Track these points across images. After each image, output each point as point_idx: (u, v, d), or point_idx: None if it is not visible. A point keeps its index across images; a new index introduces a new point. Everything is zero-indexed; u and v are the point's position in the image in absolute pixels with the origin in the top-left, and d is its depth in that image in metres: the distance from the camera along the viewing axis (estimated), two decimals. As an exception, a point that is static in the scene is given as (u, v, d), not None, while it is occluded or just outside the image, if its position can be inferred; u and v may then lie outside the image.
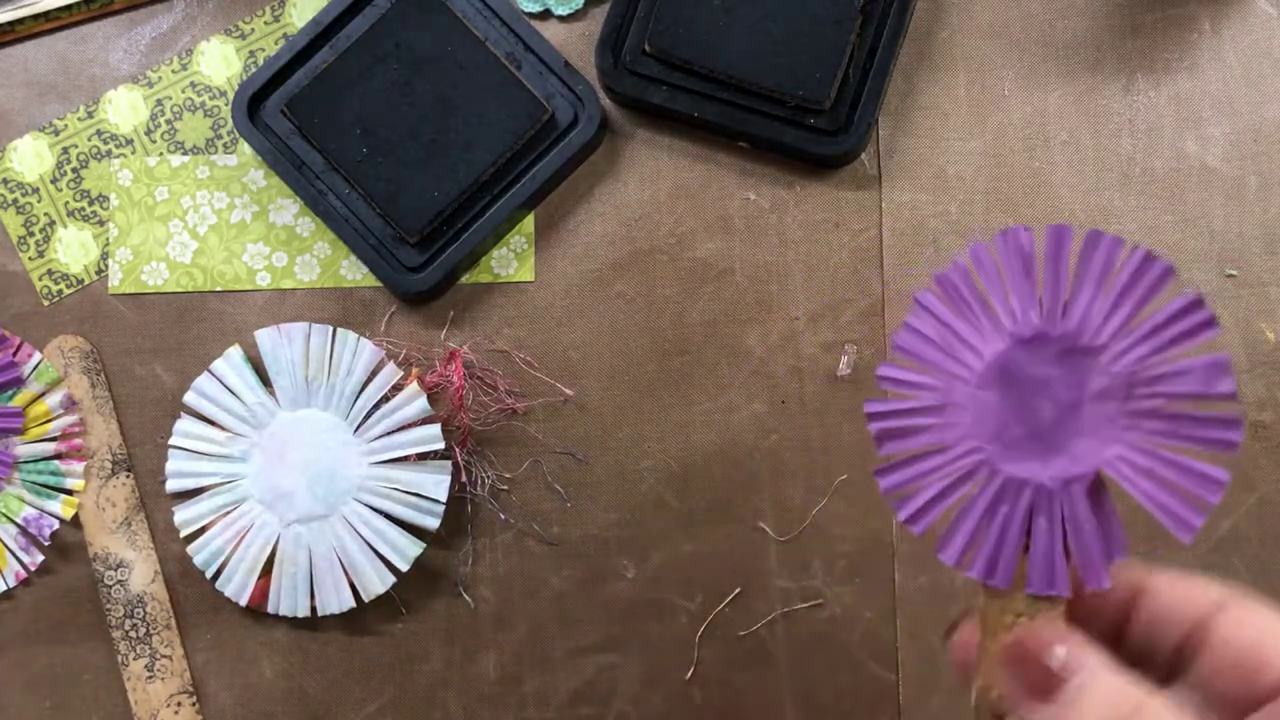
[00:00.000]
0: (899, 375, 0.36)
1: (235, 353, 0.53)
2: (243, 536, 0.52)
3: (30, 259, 0.55)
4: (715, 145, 0.54)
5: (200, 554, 0.53)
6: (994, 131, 0.53)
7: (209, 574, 0.53)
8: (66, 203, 0.55)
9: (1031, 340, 0.34)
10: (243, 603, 0.53)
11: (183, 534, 0.53)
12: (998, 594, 0.34)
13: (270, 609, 0.52)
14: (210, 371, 0.54)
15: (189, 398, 0.53)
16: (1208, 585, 0.33)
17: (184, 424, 0.54)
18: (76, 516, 0.54)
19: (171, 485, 0.53)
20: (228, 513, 0.53)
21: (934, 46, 0.54)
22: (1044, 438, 0.34)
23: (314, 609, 0.52)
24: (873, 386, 0.53)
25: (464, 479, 0.53)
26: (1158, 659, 0.34)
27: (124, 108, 0.56)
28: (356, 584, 0.52)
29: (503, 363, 0.54)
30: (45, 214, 0.55)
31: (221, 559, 0.53)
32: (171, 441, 0.54)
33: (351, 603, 0.52)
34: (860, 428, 0.52)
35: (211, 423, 0.53)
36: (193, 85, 0.56)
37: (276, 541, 0.52)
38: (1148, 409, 0.33)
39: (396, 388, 0.52)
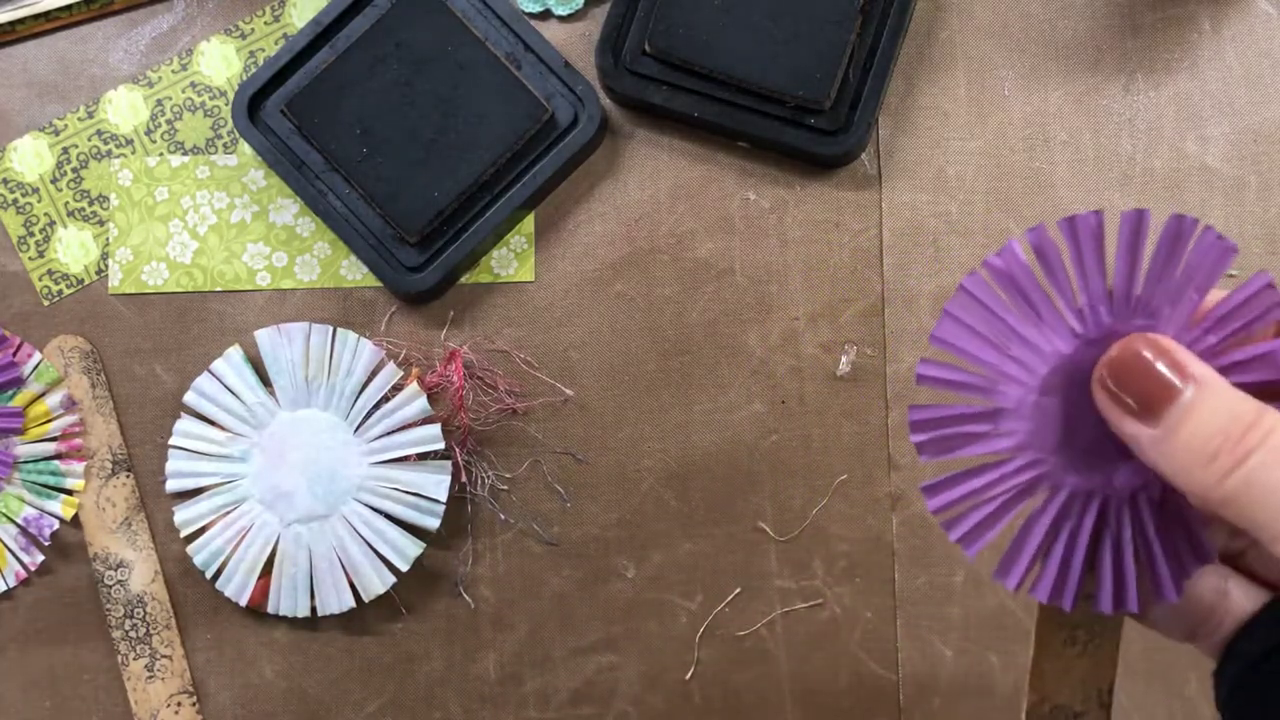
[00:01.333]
0: (944, 375, 0.31)
1: (235, 353, 0.53)
2: (243, 536, 0.52)
3: (30, 259, 0.55)
4: (715, 145, 0.54)
5: (200, 554, 0.53)
6: (994, 131, 0.53)
7: (209, 574, 0.53)
8: (66, 203, 0.55)
9: (1099, 340, 0.30)
10: (243, 603, 0.53)
11: (183, 534, 0.53)
12: (1055, 609, 0.32)
13: (270, 609, 0.52)
14: (210, 371, 0.54)
15: (189, 398, 0.53)
16: None
17: (184, 424, 0.54)
18: (76, 516, 0.54)
19: (171, 485, 0.53)
20: (228, 513, 0.53)
21: (934, 46, 0.54)
22: (1108, 445, 0.30)
23: (314, 609, 0.52)
24: (872, 387, 0.53)
25: (464, 479, 0.53)
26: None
27: (124, 108, 0.56)
28: (356, 584, 0.52)
29: (503, 363, 0.54)
30: (45, 214, 0.55)
31: (221, 559, 0.53)
32: (171, 441, 0.54)
33: (351, 603, 0.52)
34: (860, 428, 0.52)
35: (211, 423, 0.53)
36: (193, 85, 0.56)
37: (276, 541, 0.52)
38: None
39: (396, 388, 0.52)
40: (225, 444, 0.53)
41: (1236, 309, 0.29)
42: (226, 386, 0.53)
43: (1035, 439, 0.31)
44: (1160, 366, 0.29)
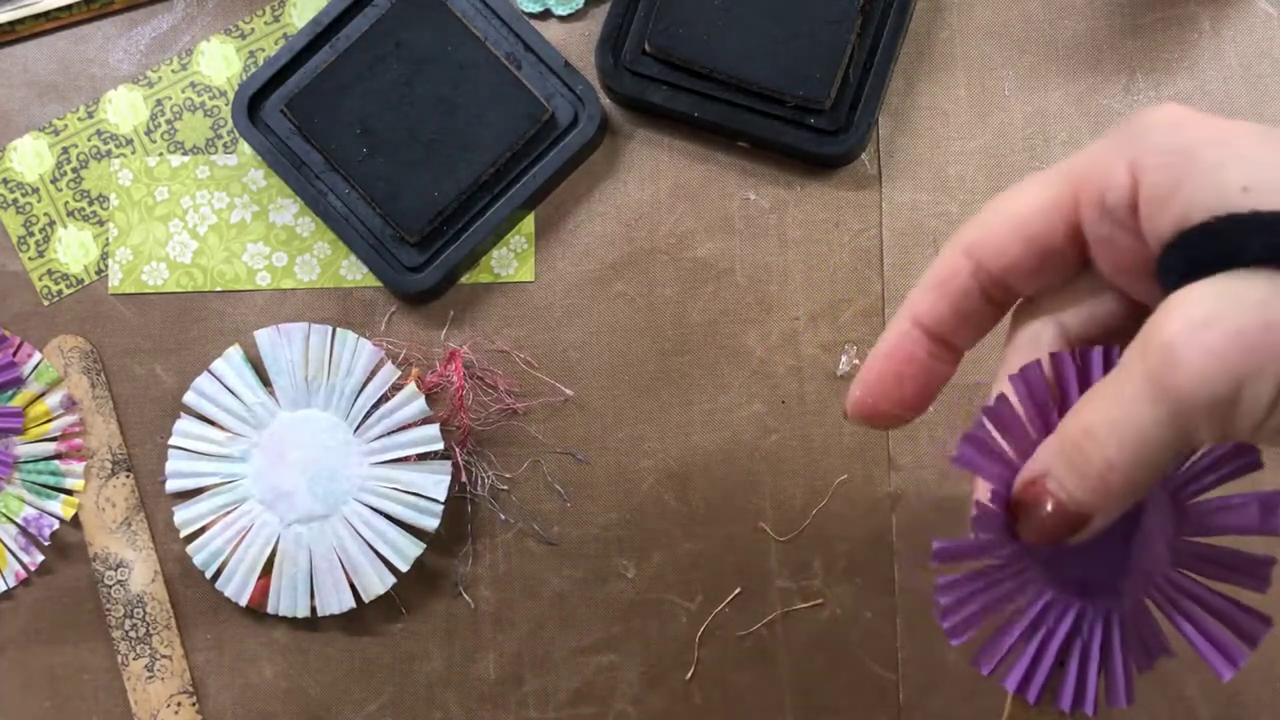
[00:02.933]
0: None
1: (235, 353, 0.53)
2: (243, 536, 0.52)
3: (30, 259, 0.55)
4: (715, 145, 0.54)
5: (200, 554, 0.53)
6: (994, 131, 0.53)
7: (209, 574, 0.53)
8: (66, 203, 0.55)
9: None
10: (243, 603, 0.53)
11: (183, 534, 0.53)
12: (1024, 705, 0.35)
13: (270, 609, 0.52)
14: (210, 371, 0.54)
15: (189, 398, 0.53)
16: None
17: (184, 424, 0.54)
18: (76, 516, 0.54)
19: (171, 485, 0.53)
20: (228, 513, 0.53)
21: (934, 46, 0.54)
22: (1091, 578, 0.33)
23: (314, 609, 0.52)
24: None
25: (464, 479, 0.53)
26: None
27: (124, 108, 0.56)
28: (356, 584, 0.52)
29: (503, 363, 0.54)
30: (45, 214, 0.55)
31: (221, 559, 0.53)
32: (171, 441, 0.54)
33: (351, 603, 0.52)
34: (861, 428, 0.52)
35: (211, 423, 0.53)
36: (193, 85, 0.56)
37: (276, 541, 0.52)
38: (1192, 544, 0.33)
39: (396, 387, 0.52)
40: (225, 444, 0.53)
41: (1218, 460, 0.32)
42: (226, 386, 0.53)
43: (1032, 553, 0.34)
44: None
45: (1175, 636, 0.34)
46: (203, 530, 0.53)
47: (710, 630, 0.53)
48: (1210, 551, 0.33)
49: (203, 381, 0.53)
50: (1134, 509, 0.33)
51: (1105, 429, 0.28)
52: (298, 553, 0.52)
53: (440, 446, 0.52)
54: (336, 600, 0.52)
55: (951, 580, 0.34)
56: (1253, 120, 0.53)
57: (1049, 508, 0.30)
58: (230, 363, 0.53)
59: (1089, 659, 0.34)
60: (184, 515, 0.53)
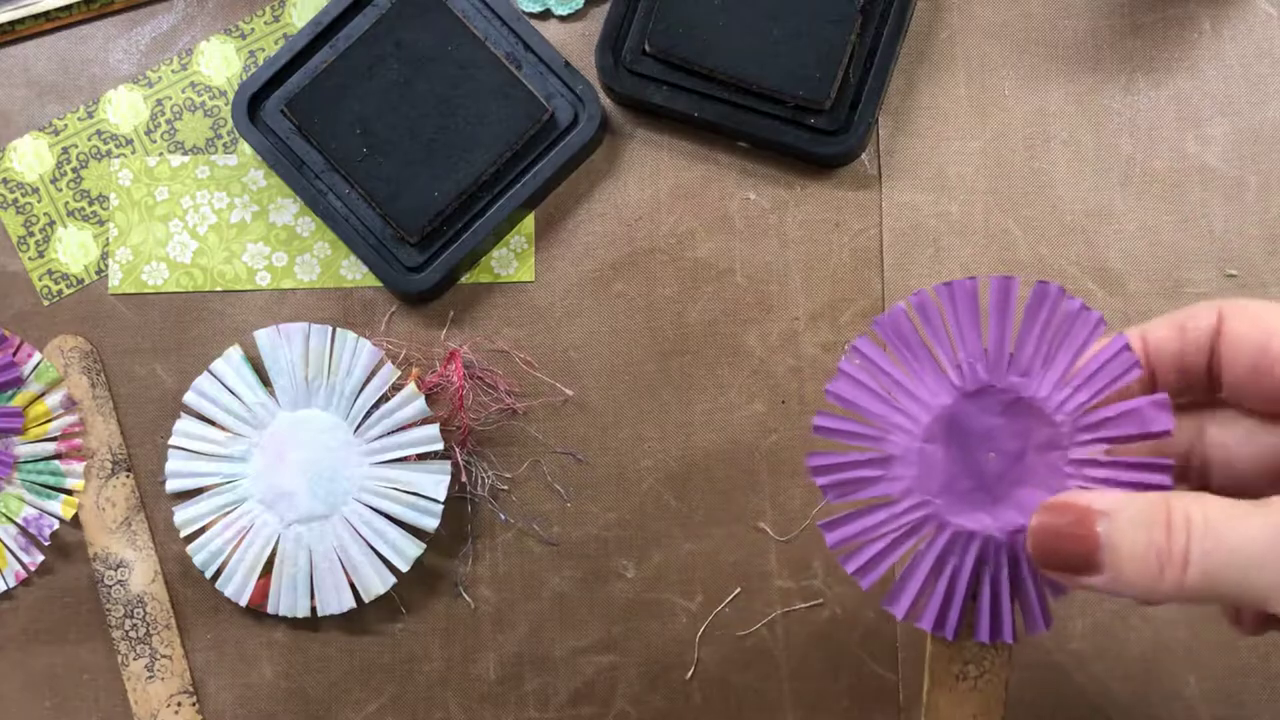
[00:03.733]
0: (838, 425, 0.35)
1: (235, 353, 0.53)
2: (243, 536, 0.52)
3: (30, 259, 0.55)
4: (715, 145, 0.54)
5: (200, 554, 0.53)
6: (994, 131, 0.53)
7: (209, 574, 0.53)
8: (66, 203, 0.55)
9: (977, 393, 0.34)
10: (243, 603, 0.53)
11: (183, 534, 0.53)
12: (945, 644, 0.35)
13: (270, 609, 0.52)
14: (210, 371, 0.54)
15: (189, 398, 0.53)
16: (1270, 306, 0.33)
17: (184, 424, 0.54)
18: (76, 516, 0.54)
19: (171, 485, 0.53)
20: (228, 513, 0.53)
21: (934, 46, 0.54)
22: (990, 489, 0.34)
23: (314, 609, 0.52)
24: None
25: (464, 479, 0.53)
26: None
27: (124, 108, 0.56)
28: (356, 584, 0.52)
29: (503, 363, 0.54)
30: (45, 214, 0.55)
31: (221, 559, 0.53)
32: (171, 441, 0.54)
33: (351, 603, 0.52)
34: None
35: (211, 423, 0.53)
36: (193, 85, 0.56)
37: (276, 541, 0.52)
38: (1088, 455, 0.33)
39: (396, 387, 0.52)
40: (225, 444, 0.53)
41: (1101, 368, 0.33)
42: (226, 386, 0.53)
43: (921, 483, 0.34)
44: (1069, 527, 0.31)
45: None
46: (203, 530, 0.53)
47: (710, 630, 0.53)
48: (1105, 459, 0.34)
49: (203, 381, 0.53)
50: (1022, 420, 0.34)
51: (1215, 539, 0.28)
52: (298, 553, 0.52)
53: (440, 446, 0.52)
54: (336, 600, 0.52)
55: (837, 518, 0.35)
56: (1252, 120, 0.53)
57: (1083, 547, 0.30)
58: (230, 363, 0.53)
59: (1000, 588, 0.34)
60: (184, 515, 0.53)
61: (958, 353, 0.35)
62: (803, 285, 0.53)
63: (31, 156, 0.56)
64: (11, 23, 0.56)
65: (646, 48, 0.53)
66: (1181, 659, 0.51)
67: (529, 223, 0.55)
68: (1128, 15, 0.54)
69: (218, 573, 0.53)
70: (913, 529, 0.34)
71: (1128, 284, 0.52)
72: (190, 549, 0.53)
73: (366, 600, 0.52)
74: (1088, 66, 0.54)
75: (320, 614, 0.52)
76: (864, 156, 0.54)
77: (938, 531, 0.34)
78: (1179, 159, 0.53)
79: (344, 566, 0.52)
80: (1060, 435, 0.33)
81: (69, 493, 0.54)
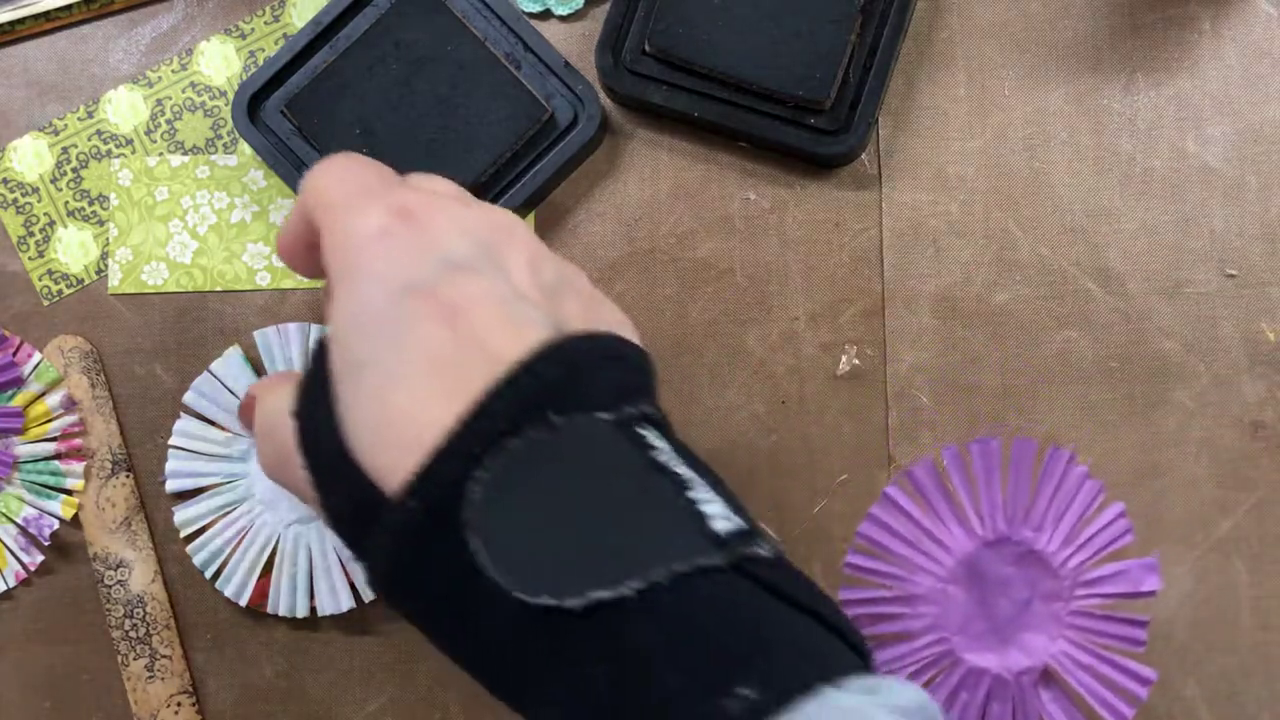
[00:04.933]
0: (868, 564, 0.40)
1: (235, 353, 0.53)
2: (243, 536, 0.52)
3: (30, 259, 0.55)
4: (715, 145, 0.54)
5: (200, 554, 0.53)
6: (994, 131, 0.54)
7: (209, 574, 0.53)
8: (66, 203, 0.55)
9: (995, 542, 0.38)
10: (243, 603, 0.53)
11: (183, 534, 0.53)
12: None
13: (270, 609, 0.52)
14: (210, 371, 0.54)
15: (189, 398, 0.53)
16: None
17: (184, 424, 0.54)
18: (76, 516, 0.54)
19: (171, 485, 0.53)
20: (228, 513, 0.53)
21: (934, 46, 0.54)
22: (1000, 631, 0.38)
23: (314, 609, 0.52)
24: (872, 387, 0.53)
25: (464, 479, 0.53)
26: None
27: (124, 108, 0.56)
28: (356, 584, 0.52)
29: (503, 363, 0.54)
30: (45, 214, 0.55)
31: (221, 559, 0.53)
32: (171, 441, 0.54)
33: (351, 603, 0.52)
34: (860, 428, 0.52)
35: (211, 423, 0.53)
36: (193, 85, 0.56)
37: (276, 541, 0.52)
38: (1084, 608, 0.38)
39: (396, 388, 0.52)
40: (225, 444, 0.53)
41: (1098, 532, 0.38)
42: (226, 386, 0.53)
43: (942, 620, 0.39)
44: None
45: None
46: (203, 530, 0.53)
47: (710, 630, 0.53)
48: (1097, 613, 0.39)
49: (203, 381, 0.53)
50: (1031, 571, 0.39)
51: None
52: (297, 553, 0.52)
53: (440, 446, 0.52)
54: (336, 600, 0.52)
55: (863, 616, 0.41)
56: (1252, 120, 0.53)
57: None
58: (230, 363, 0.53)
59: None
60: (184, 515, 0.53)
61: (980, 504, 0.39)
62: (803, 285, 0.53)
63: (31, 156, 0.56)
64: (11, 23, 0.56)
65: (646, 48, 0.53)
66: (1181, 659, 0.51)
67: (529, 222, 0.55)
68: (1128, 15, 0.54)
69: (218, 573, 0.53)
70: (931, 663, 0.38)
71: (1127, 283, 0.52)
72: (190, 549, 0.53)
73: (366, 600, 0.52)
74: (1088, 66, 0.54)
75: (320, 614, 0.52)
76: (864, 156, 0.54)
77: (952, 667, 0.38)
78: (1179, 159, 0.53)
79: (344, 566, 0.52)
80: (1063, 588, 0.38)
81: (69, 493, 0.54)
